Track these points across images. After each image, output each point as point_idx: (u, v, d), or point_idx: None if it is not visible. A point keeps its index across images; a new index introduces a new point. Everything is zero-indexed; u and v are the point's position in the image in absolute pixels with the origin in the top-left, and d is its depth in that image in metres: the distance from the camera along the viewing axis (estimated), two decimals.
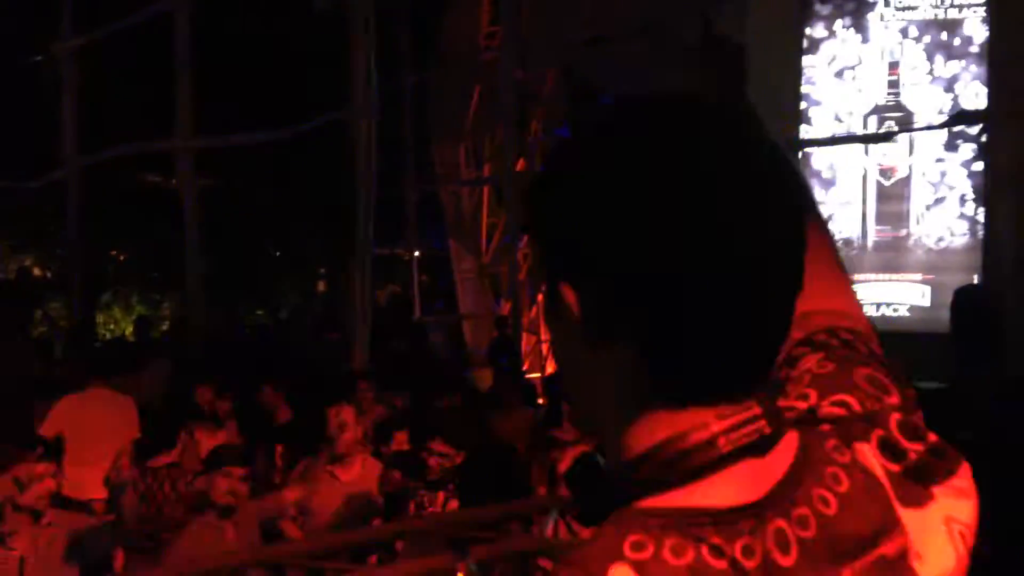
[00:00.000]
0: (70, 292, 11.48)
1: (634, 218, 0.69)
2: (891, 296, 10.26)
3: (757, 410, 0.73)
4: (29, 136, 13.37)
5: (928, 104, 10.11)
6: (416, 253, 14.45)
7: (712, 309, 0.69)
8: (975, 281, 9.65)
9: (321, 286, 20.35)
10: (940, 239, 10.11)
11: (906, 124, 10.11)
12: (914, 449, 0.79)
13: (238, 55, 14.66)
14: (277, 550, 3.68)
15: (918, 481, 0.78)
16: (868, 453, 0.78)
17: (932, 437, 0.81)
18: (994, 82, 8.85)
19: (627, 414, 0.74)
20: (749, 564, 0.70)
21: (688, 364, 0.71)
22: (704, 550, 0.70)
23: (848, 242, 10.38)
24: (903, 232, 10.22)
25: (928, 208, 10.15)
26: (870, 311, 10.30)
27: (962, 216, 10.04)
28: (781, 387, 0.84)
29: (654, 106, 0.75)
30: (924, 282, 10.15)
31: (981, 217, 9.87)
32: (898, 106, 10.19)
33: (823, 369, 0.84)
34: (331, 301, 18.54)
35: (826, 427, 0.78)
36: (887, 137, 10.01)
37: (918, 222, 10.20)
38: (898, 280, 10.26)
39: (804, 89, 10.42)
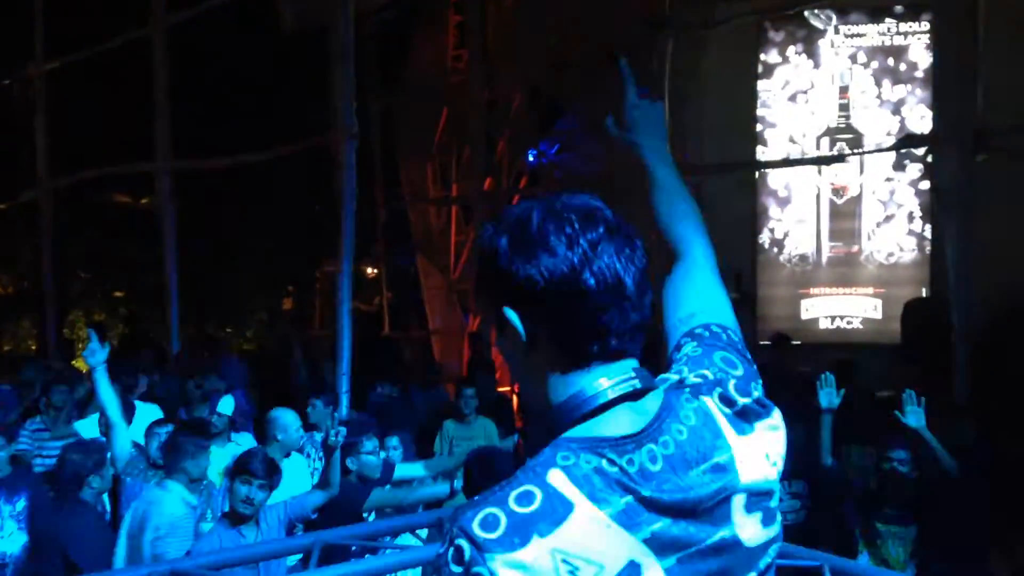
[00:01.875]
0: (40, 311, 11.53)
1: (538, 276, 1.16)
2: (845, 309, 10.70)
3: (632, 374, 1.19)
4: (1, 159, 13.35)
5: (877, 126, 10.60)
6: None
7: (587, 321, 1.17)
8: (923, 294, 10.15)
9: (287, 304, 20.43)
10: (890, 254, 10.59)
11: (856, 145, 10.58)
12: (742, 400, 1.23)
13: (210, 79, 14.80)
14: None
15: (743, 419, 1.22)
16: (709, 402, 1.21)
17: (756, 394, 1.25)
18: (938, 106, 9.31)
19: (552, 385, 1.20)
20: (631, 469, 1.12)
21: (583, 350, 1.18)
22: (604, 461, 1.12)
23: (804, 258, 10.81)
24: (855, 248, 10.67)
25: (878, 225, 10.62)
26: (826, 323, 10.74)
27: (910, 232, 10.53)
28: (670, 364, 1.31)
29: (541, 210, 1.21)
30: (875, 295, 10.61)
31: (928, 233, 10.37)
32: (848, 128, 10.67)
33: (695, 353, 1.31)
34: (298, 318, 18.65)
35: (686, 387, 1.23)
36: (839, 158, 10.46)
37: (869, 238, 10.66)
38: (851, 294, 10.70)
39: (760, 112, 10.85)
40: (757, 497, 1.20)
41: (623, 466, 1.12)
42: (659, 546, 1.11)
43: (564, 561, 1.04)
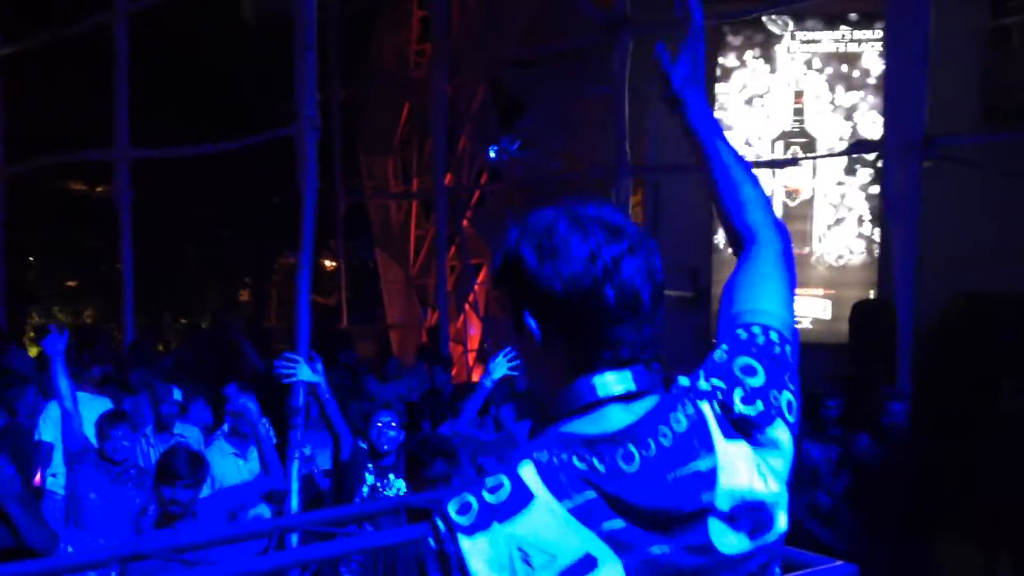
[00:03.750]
0: None
1: (559, 286, 1.21)
2: (795, 309, 10.92)
3: (629, 375, 1.22)
4: None
5: (830, 131, 10.83)
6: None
7: (603, 332, 1.21)
8: (871, 296, 10.41)
9: (244, 295, 20.29)
10: (840, 257, 10.84)
11: (810, 149, 10.81)
12: (745, 409, 1.24)
13: (171, 67, 14.66)
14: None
15: (738, 428, 1.23)
16: (706, 408, 1.23)
17: (771, 406, 1.25)
18: (888, 113, 9.53)
19: (560, 384, 1.25)
20: (600, 467, 1.17)
21: (594, 357, 1.22)
22: (574, 457, 1.18)
23: None
24: (806, 250, 10.89)
25: (829, 228, 10.86)
26: None
27: (860, 236, 10.78)
28: (697, 367, 1.32)
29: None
30: (825, 296, 10.85)
31: (877, 237, 10.63)
32: (802, 132, 10.90)
33: (720, 359, 1.30)
34: (257, 309, 18.54)
35: (690, 392, 1.25)
36: (792, 162, 10.66)
37: (820, 241, 10.90)
38: (801, 295, 10.93)
39: (717, 115, 11.01)
40: (741, 507, 1.20)
41: (592, 464, 1.17)
42: (620, 544, 1.15)
43: (519, 548, 1.13)
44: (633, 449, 1.19)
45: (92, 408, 5.71)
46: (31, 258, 17.19)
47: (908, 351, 7.23)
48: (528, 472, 1.17)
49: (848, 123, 10.81)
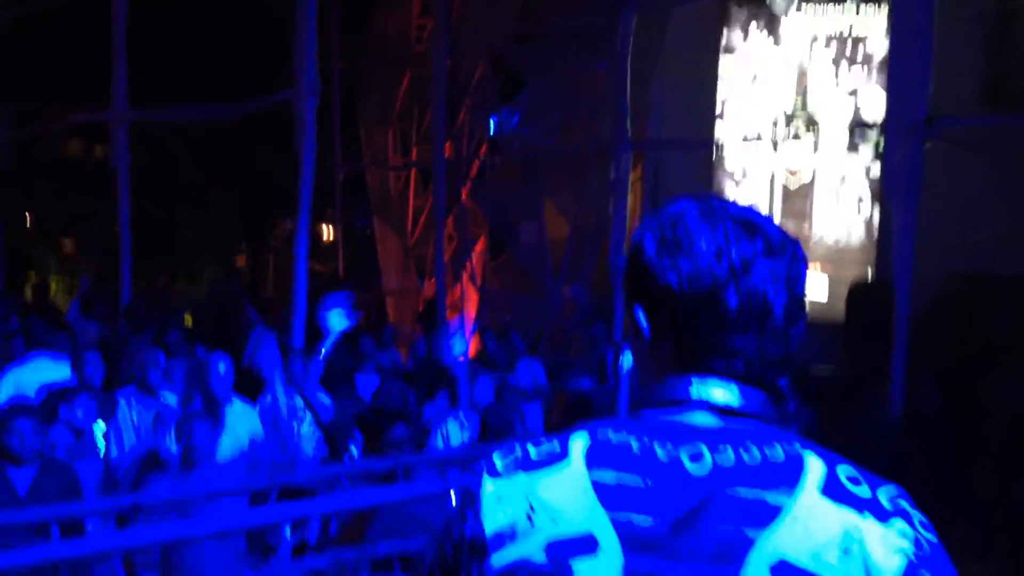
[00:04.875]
0: None
1: (676, 283, 1.10)
2: None
3: (739, 395, 1.09)
4: None
5: (832, 110, 10.77)
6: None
7: (719, 339, 1.10)
8: (869, 276, 10.40)
9: (241, 261, 20.25)
10: (838, 238, 10.82)
11: (812, 128, 10.75)
12: (853, 485, 1.05)
13: (172, 29, 14.53)
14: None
15: (849, 497, 1.04)
16: (813, 460, 1.06)
17: (889, 497, 1.06)
18: (891, 92, 9.48)
19: (658, 377, 1.14)
20: (660, 453, 1.07)
21: (705, 362, 1.11)
22: (634, 439, 1.08)
23: None
24: (805, 230, 10.87)
25: (829, 208, 10.83)
26: None
27: (859, 216, 10.76)
28: None
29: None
30: (823, 276, 10.84)
31: (876, 217, 10.60)
32: (805, 111, 10.84)
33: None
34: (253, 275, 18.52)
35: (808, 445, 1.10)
36: (794, 140, 10.62)
37: (819, 221, 10.87)
38: None
39: (720, 93, 10.96)
40: (795, 570, 1.01)
41: (651, 448, 1.07)
42: (633, 538, 1.05)
43: (529, 502, 1.10)
44: (706, 451, 1.06)
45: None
46: (27, 217, 17.14)
47: (904, 332, 7.23)
48: (578, 441, 1.12)
49: (851, 102, 10.75)
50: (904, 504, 1.05)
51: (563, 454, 1.11)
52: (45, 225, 17.74)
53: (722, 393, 1.09)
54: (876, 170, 10.51)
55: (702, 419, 1.09)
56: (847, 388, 6.30)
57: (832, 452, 1.09)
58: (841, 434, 5.94)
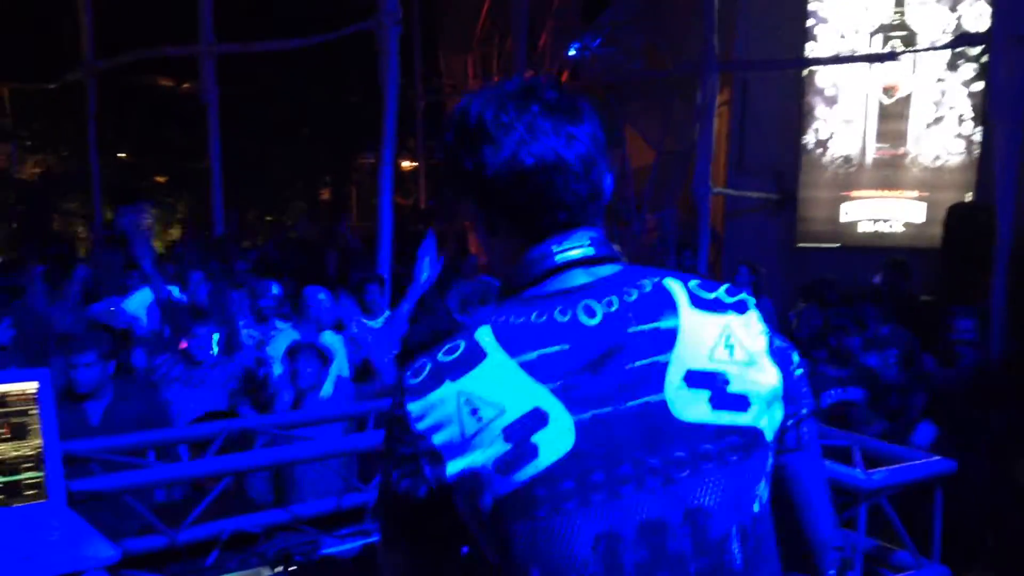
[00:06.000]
0: (89, 192, 11.73)
1: (484, 167, 1.20)
2: (887, 212, 10.58)
3: (587, 241, 1.23)
4: (47, 39, 13.35)
5: (932, 24, 10.25)
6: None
7: (534, 200, 1.20)
8: (968, 199, 9.99)
9: (325, 194, 20.53)
10: (936, 157, 10.39)
11: (910, 43, 10.26)
12: (706, 292, 1.24)
13: None
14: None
15: (709, 303, 1.22)
16: (673, 283, 1.23)
17: (729, 293, 1.26)
18: (997, 2, 8.98)
19: (512, 258, 1.24)
20: (561, 319, 1.18)
21: (535, 227, 1.22)
22: (533, 313, 1.19)
23: (848, 159, 10.64)
24: (901, 150, 10.46)
25: (927, 127, 10.39)
26: (864, 227, 10.64)
27: (959, 135, 10.30)
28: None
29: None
30: (920, 199, 10.46)
31: (977, 137, 10.14)
32: (902, 25, 10.34)
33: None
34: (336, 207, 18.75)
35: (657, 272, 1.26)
36: (891, 56, 10.16)
37: (917, 140, 10.44)
38: (894, 197, 10.56)
39: (811, 6, 10.52)
40: (700, 374, 1.17)
41: (552, 316, 1.18)
42: (573, 399, 1.13)
43: (467, 402, 1.13)
44: (595, 304, 1.19)
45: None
46: (121, 154, 17.62)
47: (1005, 258, 6.94)
48: (484, 332, 1.18)
49: (952, 15, 10.21)
50: (740, 295, 1.27)
51: (479, 351, 1.16)
52: (137, 159, 18.22)
53: (578, 250, 1.22)
54: (978, 86, 10.02)
55: (579, 278, 1.22)
56: (944, 314, 6.09)
57: (673, 271, 1.27)
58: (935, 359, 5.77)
